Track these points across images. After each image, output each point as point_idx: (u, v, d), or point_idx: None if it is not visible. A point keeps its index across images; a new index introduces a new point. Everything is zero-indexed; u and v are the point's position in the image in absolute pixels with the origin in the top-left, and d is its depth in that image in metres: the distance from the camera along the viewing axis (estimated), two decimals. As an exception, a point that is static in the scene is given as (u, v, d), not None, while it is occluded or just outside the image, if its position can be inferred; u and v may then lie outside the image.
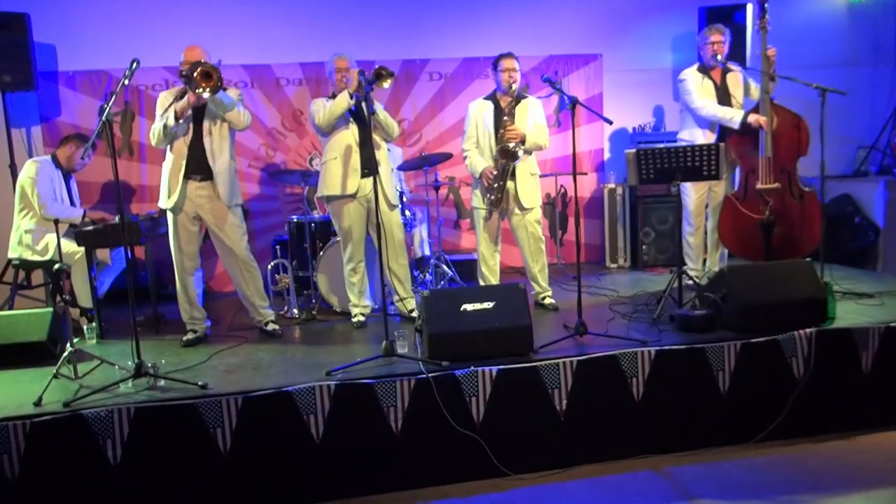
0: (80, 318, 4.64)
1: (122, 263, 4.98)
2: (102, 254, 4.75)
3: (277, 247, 5.00)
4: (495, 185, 4.38)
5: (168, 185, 4.04)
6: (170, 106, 3.91)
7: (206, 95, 3.72)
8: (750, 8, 5.89)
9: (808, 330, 3.63)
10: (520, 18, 6.19)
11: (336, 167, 4.30)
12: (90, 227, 4.33)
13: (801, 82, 4.40)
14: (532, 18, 6.21)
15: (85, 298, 4.57)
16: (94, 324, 4.39)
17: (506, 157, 4.31)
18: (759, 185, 4.54)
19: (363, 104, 4.17)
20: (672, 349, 3.55)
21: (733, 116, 4.56)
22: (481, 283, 4.68)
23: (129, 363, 3.38)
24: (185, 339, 4.17)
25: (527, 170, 4.48)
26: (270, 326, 4.30)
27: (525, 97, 4.52)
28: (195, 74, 3.68)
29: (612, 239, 6.16)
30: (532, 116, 4.48)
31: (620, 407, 3.50)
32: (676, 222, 5.92)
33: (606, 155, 6.51)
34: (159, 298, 4.94)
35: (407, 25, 6.09)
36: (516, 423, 3.40)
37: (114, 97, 3.31)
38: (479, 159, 4.49)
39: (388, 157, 4.48)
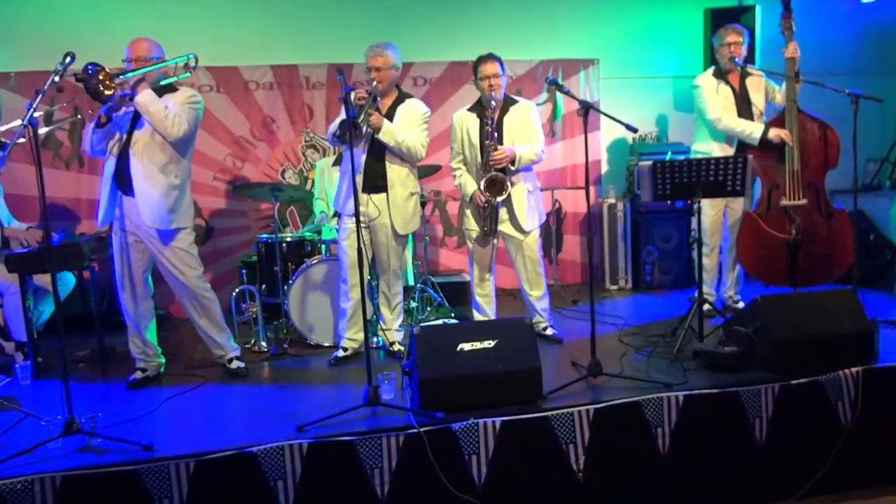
0: (15, 353, 4.04)
1: (66, 289, 4.38)
2: (42, 279, 4.13)
3: (244, 270, 4.42)
4: (487, 216, 3.90)
5: (103, 200, 3.49)
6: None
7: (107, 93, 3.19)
8: (758, 10, 5.49)
9: (853, 369, 3.18)
10: (510, 21, 5.73)
11: (343, 183, 3.86)
12: (23, 251, 3.74)
13: (830, 88, 3.98)
14: (524, 21, 5.75)
15: (19, 330, 3.97)
16: (27, 361, 3.79)
17: (491, 191, 3.80)
18: (784, 202, 4.09)
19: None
20: (702, 394, 3.06)
21: (752, 131, 4.11)
22: (476, 313, 4.14)
23: (60, 417, 2.80)
24: (130, 379, 3.59)
25: (522, 188, 3.95)
26: (234, 364, 3.73)
27: (516, 102, 3.98)
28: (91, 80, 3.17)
29: (611, 259, 5.69)
30: (525, 123, 3.94)
31: (644, 461, 3.01)
32: (681, 240, 5.55)
33: (604, 168, 6.05)
34: (109, 327, 4.36)
35: (388, 26, 5.57)
36: (524, 484, 2.88)
37: (40, 95, 2.74)
38: (470, 180, 3.97)
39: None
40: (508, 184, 3.79)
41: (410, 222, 3.89)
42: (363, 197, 3.73)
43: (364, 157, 3.75)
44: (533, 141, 3.92)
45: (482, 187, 3.83)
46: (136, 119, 3.45)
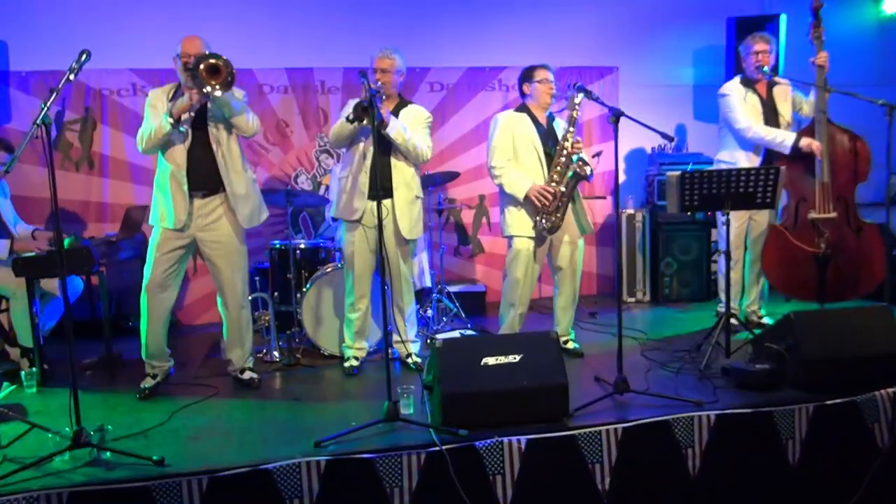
0: (20, 360, 3.94)
1: (74, 294, 4.27)
2: (49, 284, 4.03)
3: (256, 277, 4.31)
4: (559, 204, 3.73)
5: (171, 202, 3.36)
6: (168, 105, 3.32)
7: (217, 93, 3.13)
8: (783, 19, 5.38)
9: (890, 390, 3.06)
10: (529, 27, 5.64)
11: (346, 185, 3.72)
12: (31, 254, 3.64)
13: (863, 98, 3.89)
14: (542, 27, 5.66)
15: (25, 336, 3.86)
16: (34, 368, 3.69)
17: (584, 168, 3.71)
18: (812, 215, 3.98)
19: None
20: (735, 413, 2.94)
21: (784, 140, 4.00)
22: (507, 329, 3.97)
23: (68, 428, 2.69)
24: (143, 385, 3.49)
25: (578, 191, 3.90)
26: (247, 375, 3.62)
27: (554, 117, 3.99)
28: (201, 68, 3.07)
29: (629, 270, 5.57)
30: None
31: (673, 484, 2.89)
32: (701, 252, 5.44)
33: (622, 178, 5.92)
34: (117, 333, 4.26)
35: (405, 31, 5.50)
36: (549, 506, 2.76)
37: (55, 94, 2.65)
38: (523, 176, 3.79)
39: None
40: (589, 168, 3.74)
41: (416, 227, 3.80)
42: (367, 203, 3.65)
43: (369, 156, 3.63)
44: None
45: (578, 163, 3.71)
46: (198, 117, 3.36)
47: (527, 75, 3.92)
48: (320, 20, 5.38)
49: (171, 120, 3.22)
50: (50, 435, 2.73)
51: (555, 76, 3.94)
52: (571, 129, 3.75)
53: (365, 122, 3.26)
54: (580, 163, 3.70)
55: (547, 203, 3.72)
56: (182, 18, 5.11)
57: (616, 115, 3.08)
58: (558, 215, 3.74)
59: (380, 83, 3.58)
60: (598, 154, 5.30)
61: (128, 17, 5.10)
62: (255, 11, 5.30)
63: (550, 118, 3.94)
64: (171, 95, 3.39)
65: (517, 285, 3.89)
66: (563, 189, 3.72)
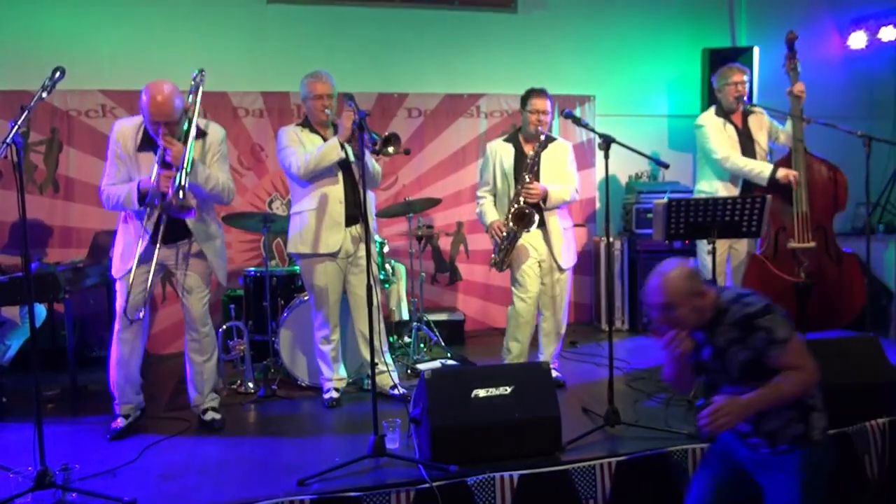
0: (-24, 392, 3.71)
1: (36, 322, 4.06)
2: (10, 312, 3.83)
3: (231, 305, 4.16)
4: (502, 246, 3.71)
5: (122, 252, 3.21)
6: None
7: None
8: (756, 51, 5.49)
9: (880, 420, 3.05)
10: (508, 55, 5.66)
11: (313, 219, 3.54)
12: (-7, 280, 3.46)
13: (842, 130, 3.94)
14: (521, 56, 5.68)
15: (-17, 368, 3.66)
16: (-9, 401, 3.48)
17: (519, 224, 3.63)
18: (792, 244, 4.00)
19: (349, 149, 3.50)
20: (728, 445, 2.88)
21: (761, 171, 4.02)
22: (506, 355, 3.91)
23: (30, 467, 2.51)
24: (113, 426, 3.27)
25: (559, 224, 3.79)
26: (209, 415, 3.36)
27: (554, 139, 3.86)
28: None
29: (608, 298, 5.54)
30: (560, 163, 3.82)
31: (666, 519, 2.82)
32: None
33: (598, 205, 5.94)
34: (82, 364, 4.06)
35: (384, 55, 5.47)
36: (542, 544, 2.66)
37: (26, 112, 2.52)
38: (492, 211, 3.83)
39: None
40: (535, 220, 3.62)
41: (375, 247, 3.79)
42: (344, 231, 3.56)
43: (340, 185, 3.55)
44: (567, 180, 3.81)
45: (510, 217, 3.66)
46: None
47: (522, 100, 3.84)
48: (297, 44, 5.30)
49: (137, 198, 3.03)
50: (11, 475, 2.54)
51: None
52: (525, 174, 3.66)
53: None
54: (522, 213, 3.61)
55: (499, 240, 3.71)
56: (153, 39, 5.02)
57: (607, 141, 3.05)
58: (505, 257, 3.72)
59: (326, 110, 3.48)
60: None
61: (97, 37, 4.97)
62: (231, 34, 5.21)
63: (541, 146, 3.77)
64: (139, 132, 3.14)
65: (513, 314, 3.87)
66: (505, 233, 3.70)
